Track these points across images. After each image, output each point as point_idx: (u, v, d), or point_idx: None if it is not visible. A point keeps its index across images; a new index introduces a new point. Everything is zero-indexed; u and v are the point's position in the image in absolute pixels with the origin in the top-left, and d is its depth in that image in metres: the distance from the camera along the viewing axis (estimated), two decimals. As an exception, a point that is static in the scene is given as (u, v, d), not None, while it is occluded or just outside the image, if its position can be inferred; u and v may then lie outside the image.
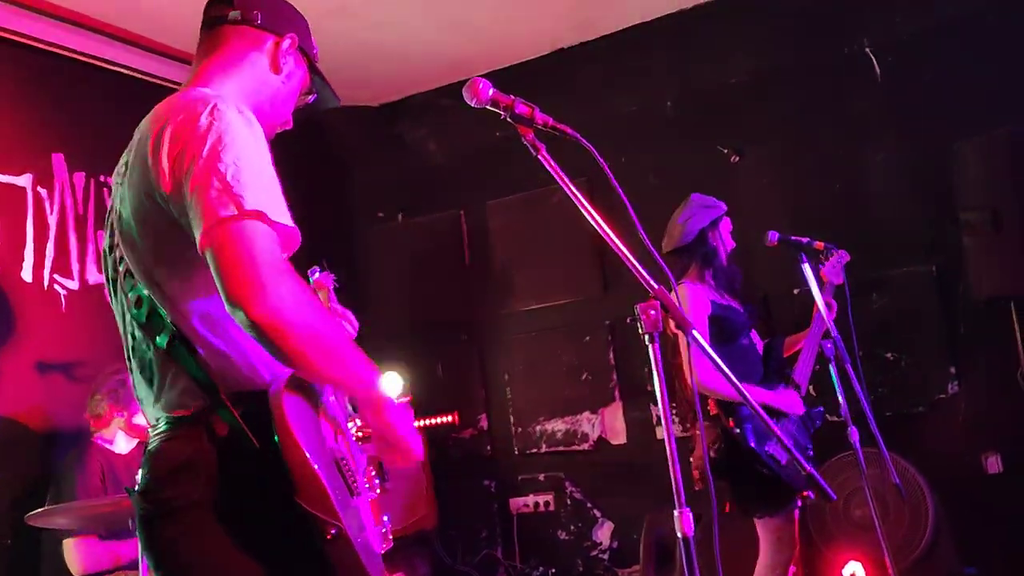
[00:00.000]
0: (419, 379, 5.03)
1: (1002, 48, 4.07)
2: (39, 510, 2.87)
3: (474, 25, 4.67)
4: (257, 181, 1.43)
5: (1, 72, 3.85)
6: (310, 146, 4.98)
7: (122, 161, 1.62)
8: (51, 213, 3.94)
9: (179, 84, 5.23)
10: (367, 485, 1.65)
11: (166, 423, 1.53)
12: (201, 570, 1.46)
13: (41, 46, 3.99)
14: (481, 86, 1.56)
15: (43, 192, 3.92)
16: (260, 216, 1.41)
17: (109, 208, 1.66)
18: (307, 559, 1.42)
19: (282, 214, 1.46)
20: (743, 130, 4.62)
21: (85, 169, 4.11)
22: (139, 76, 4.46)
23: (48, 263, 3.88)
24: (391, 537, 1.71)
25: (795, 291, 4.33)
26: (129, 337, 1.61)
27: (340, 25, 4.39)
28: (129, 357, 1.63)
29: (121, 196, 1.57)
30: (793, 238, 3.17)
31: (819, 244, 3.25)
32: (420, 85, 5.43)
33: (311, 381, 1.53)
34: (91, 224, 4.11)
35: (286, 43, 1.73)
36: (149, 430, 1.59)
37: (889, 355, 4.23)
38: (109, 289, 1.67)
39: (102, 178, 4.18)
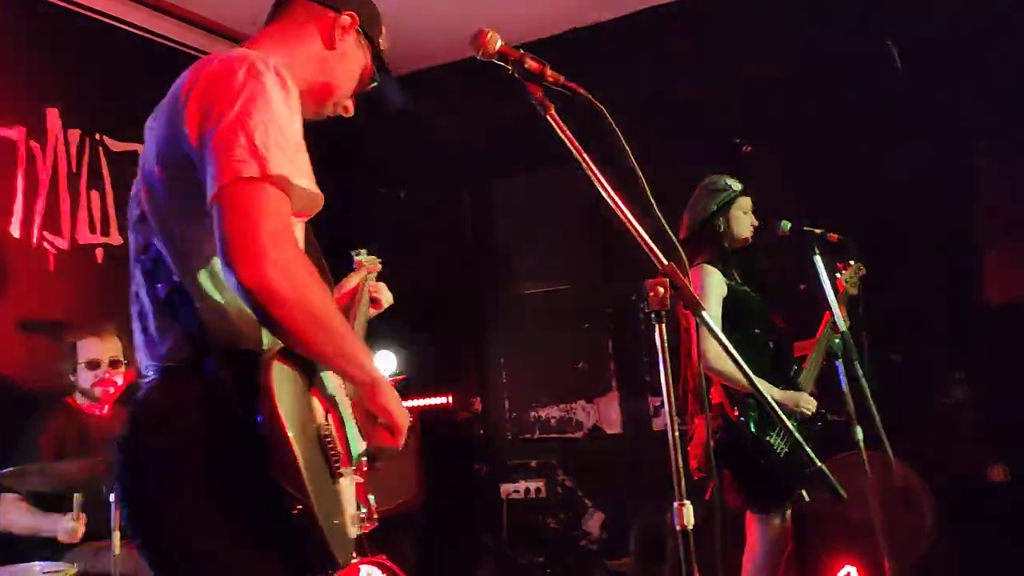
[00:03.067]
0: (414, 359, 4.95)
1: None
2: (7, 469, 2.81)
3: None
4: (284, 145, 1.44)
5: (-1, 22, 3.75)
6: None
7: (157, 108, 1.63)
8: (43, 169, 3.83)
9: (186, 45, 5.05)
10: (353, 468, 1.61)
11: (155, 373, 1.53)
12: (171, 522, 1.46)
13: (40, -3, 3.89)
14: (489, 36, 1.45)
15: (35, 146, 3.81)
16: (282, 181, 1.41)
17: (142, 156, 1.66)
18: (273, 529, 1.42)
19: (305, 178, 1.47)
20: (757, 120, 4.50)
21: (81, 126, 3.99)
22: (141, 35, 4.33)
23: (38, 220, 3.78)
24: (376, 517, 1.67)
25: (801, 286, 4.22)
26: (132, 282, 1.62)
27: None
28: (131, 302, 1.63)
29: (148, 141, 1.60)
30: (806, 228, 3.07)
31: (833, 236, 3.15)
32: (429, 60, 5.31)
33: (299, 353, 1.49)
34: (84, 182, 4.00)
35: (345, 19, 1.73)
36: (139, 380, 1.59)
37: (894, 356, 4.13)
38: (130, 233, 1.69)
39: (97, 136, 4.06)
